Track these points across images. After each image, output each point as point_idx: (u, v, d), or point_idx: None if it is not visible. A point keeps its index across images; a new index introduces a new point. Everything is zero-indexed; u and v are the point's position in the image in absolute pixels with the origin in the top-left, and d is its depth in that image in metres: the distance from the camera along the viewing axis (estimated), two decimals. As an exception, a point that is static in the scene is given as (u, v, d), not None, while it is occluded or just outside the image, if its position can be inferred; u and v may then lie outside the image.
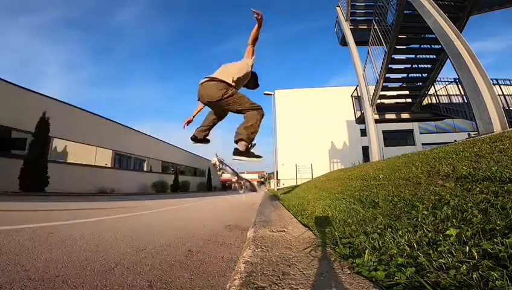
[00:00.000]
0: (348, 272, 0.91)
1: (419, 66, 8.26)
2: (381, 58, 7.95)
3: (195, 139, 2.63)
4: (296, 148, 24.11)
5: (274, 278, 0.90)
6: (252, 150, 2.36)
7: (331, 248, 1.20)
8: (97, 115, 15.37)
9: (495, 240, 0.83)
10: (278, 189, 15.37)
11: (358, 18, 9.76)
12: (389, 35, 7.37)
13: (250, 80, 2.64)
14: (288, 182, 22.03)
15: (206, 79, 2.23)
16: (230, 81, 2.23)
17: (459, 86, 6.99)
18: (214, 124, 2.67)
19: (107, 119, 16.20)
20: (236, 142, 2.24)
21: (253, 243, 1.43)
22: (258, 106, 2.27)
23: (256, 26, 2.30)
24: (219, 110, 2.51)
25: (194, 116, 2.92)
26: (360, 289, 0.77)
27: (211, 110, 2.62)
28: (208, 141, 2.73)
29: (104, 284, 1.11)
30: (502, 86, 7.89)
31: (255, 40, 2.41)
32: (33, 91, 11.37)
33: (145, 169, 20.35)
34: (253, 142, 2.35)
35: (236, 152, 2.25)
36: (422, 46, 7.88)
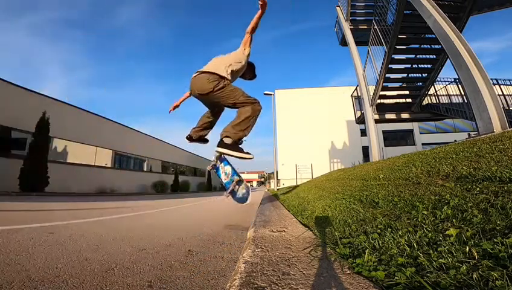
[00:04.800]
0: (348, 272, 0.91)
1: (419, 66, 8.26)
2: (381, 58, 7.96)
3: (190, 138, 2.50)
4: (296, 148, 24.11)
5: (274, 278, 0.90)
6: (240, 146, 2.15)
7: (331, 248, 1.20)
8: (97, 115, 15.38)
9: (495, 240, 0.82)
10: (278, 189, 15.36)
11: (358, 18, 9.77)
12: (389, 35, 7.37)
13: (247, 71, 2.49)
14: (288, 182, 22.02)
15: (197, 72, 2.11)
16: (222, 73, 2.08)
17: (459, 86, 6.99)
18: (211, 125, 2.50)
19: (107, 119, 16.21)
20: (221, 139, 2.09)
21: (253, 243, 1.42)
22: (254, 99, 2.09)
23: (259, 13, 2.10)
24: (212, 105, 2.36)
25: (180, 103, 2.74)
26: (360, 289, 0.77)
27: (207, 110, 2.52)
28: (206, 141, 2.62)
29: (104, 284, 1.11)
30: (502, 86, 7.88)
31: (255, 28, 2.21)
32: (33, 91, 11.38)
33: (145, 169, 20.35)
34: (242, 140, 2.16)
35: (222, 144, 2.07)
36: (422, 46, 7.88)
